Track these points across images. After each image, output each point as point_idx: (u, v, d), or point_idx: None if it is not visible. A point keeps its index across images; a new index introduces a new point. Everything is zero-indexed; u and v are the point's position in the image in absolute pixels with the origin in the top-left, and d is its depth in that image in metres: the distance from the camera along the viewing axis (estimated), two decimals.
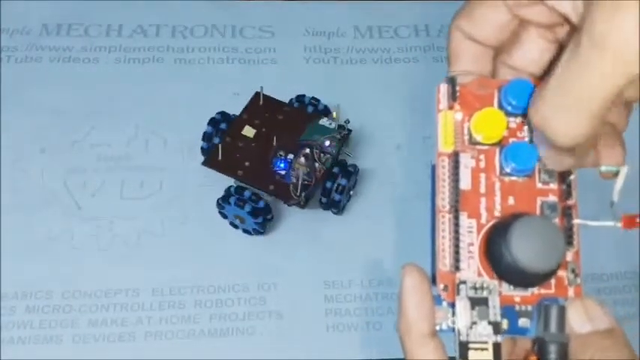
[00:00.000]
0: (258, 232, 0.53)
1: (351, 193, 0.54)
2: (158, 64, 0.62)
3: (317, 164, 0.51)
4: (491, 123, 0.24)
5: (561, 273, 0.24)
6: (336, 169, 0.52)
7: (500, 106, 0.25)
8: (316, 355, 0.49)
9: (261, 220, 0.50)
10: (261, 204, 0.50)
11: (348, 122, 0.53)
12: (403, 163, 0.58)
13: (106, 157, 0.57)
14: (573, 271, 0.24)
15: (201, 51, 0.63)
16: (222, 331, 0.49)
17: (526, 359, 0.24)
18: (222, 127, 0.53)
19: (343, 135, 0.52)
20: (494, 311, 0.23)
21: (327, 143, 0.51)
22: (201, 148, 0.54)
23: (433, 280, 0.24)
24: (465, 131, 0.25)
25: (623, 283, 0.52)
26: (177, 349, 0.48)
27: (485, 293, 0.24)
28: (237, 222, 0.52)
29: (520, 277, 0.23)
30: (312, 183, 0.50)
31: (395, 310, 0.50)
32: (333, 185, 0.51)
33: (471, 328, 0.23)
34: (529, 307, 0.24)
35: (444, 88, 0.25)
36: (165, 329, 0.49)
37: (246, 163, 0.51)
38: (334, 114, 0.54)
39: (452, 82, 0.25)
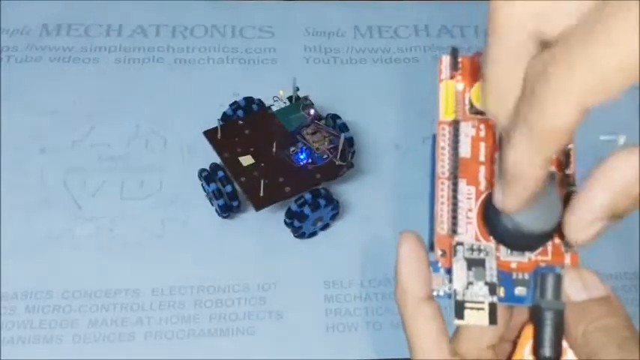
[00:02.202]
0: (336, 216, 0.53)
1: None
2: (158, 64, 0.62)
3: (330, 129, 0.52)
4: None
5: (558, 240, 0.24)
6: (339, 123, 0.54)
7: None
8: (316, 355, 0.48)
9: (336, 202, 0.51)
10: (322, 190, 0.51)
11: (298, 89, 0.54)
12: (403, 163, 0.58)
13: (106, 157, 0.57)
14: None
15: (201, 51, 0.63)
16: (222, 331, 0.49)
17: (522, 329, 0.24)
18: (219, 175, 0.51)
19: (308, 101, 0.53)
20: (491, 272, 0.24)
21: (312, 112, 0.53)
22: (218, 206, 0.52)
23: (431, 249, 0.25)
24: (466, 101, 0.25)
25: (623, 283, 0.52)
26: (177, 349, 0.48)
27: (482, 255, 0.24)
28: (315, 227, 0.52)
29: (517, 239, 0.23)
30: (344, 143, 0.51)
31: (395, 310, 0.50)
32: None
33: (467, 288, 0.23)
34: (526, 276, 0.24)
35: (445, 59, 0.25)
36: (165, 329, 0.49)
37: (280, 179, 0.50)
38: (281, 92, 0.54)
39: (454, 52, 0.25)
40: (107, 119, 0.58)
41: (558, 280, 0.23)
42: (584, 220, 0.22)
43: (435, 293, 0.24)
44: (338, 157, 0.51)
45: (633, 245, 0.52)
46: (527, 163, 0.20)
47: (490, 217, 0.23)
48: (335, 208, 0.52)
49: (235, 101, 0.55)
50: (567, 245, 0.24)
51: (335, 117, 0.54)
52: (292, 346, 0.49)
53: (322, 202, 0.50)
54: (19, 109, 0.58)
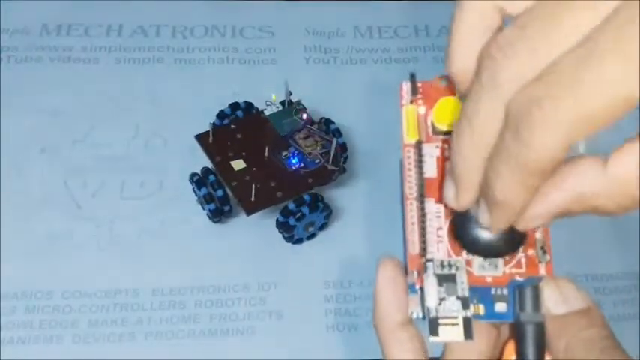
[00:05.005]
0: (324, 227, 0.53)
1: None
2: (158, 64, 0.62)
3: (322, 134, 0.52)
4: (448, 110, 0.25)
5: (531, 251, 0.24)
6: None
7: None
8: (316, 355, 0.49)
9: (330, 211, 0.51)
10: (319, 196, 0.51)
11: (291, 94, 0.53)
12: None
13: (106, 157, 0.57)
14: (542, 248, 0.24)
15: (201, 51, 0.63)
16: (222, 331, 0.49)
17: (505, 345, 0.24)
18: (211, 179, 0.51)
19: (301, 106, 0.53)
20: (462, 287, 0.23)
21: (305, 116, 0.52)
22: (209, 210, 0.52)
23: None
24: (429, 123, 0.26)
25: (623, 283, 0.52)
26: (177, 349, 0.48)
27: (452, 270, 0.24)
28: (305, 233, 0.52)
29: (493, 241, 0.23)
30: (336, 148, 0.50)
31: None
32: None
33: (439, 304, 0.23)
34: (504, 291, 0.24)
35: (406, 85, 0.27)
36: (165, 329, 0.49)
37: (272, 184, 0.50)
38: (273, 96, 0.53)
39: (412, 78, 0.26)
40: (107, 119, 0.58)
41: (536, 292, 0.23)
42: (535, 215, 0.21)
43: (414, 315, 0.24)
44: (330, 162, 0.50)
45: (633, 245, 0.52)
46: (514, 192, 0.20)
47: (463, 229, 0.23)
48: (327, 217, 0.52)
49: (236, 102, 0.55)
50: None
51: (328, 121, 0.54)
52: (292, 346, 0.49)
53: (320, 205, 0.50)
54: (19, 109, 0.58)
